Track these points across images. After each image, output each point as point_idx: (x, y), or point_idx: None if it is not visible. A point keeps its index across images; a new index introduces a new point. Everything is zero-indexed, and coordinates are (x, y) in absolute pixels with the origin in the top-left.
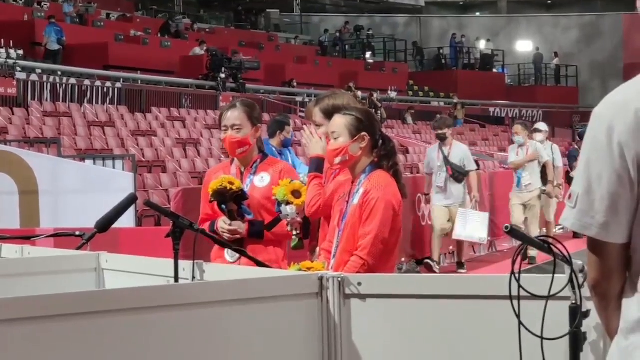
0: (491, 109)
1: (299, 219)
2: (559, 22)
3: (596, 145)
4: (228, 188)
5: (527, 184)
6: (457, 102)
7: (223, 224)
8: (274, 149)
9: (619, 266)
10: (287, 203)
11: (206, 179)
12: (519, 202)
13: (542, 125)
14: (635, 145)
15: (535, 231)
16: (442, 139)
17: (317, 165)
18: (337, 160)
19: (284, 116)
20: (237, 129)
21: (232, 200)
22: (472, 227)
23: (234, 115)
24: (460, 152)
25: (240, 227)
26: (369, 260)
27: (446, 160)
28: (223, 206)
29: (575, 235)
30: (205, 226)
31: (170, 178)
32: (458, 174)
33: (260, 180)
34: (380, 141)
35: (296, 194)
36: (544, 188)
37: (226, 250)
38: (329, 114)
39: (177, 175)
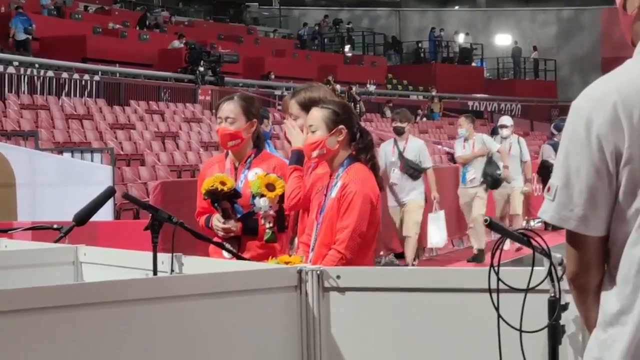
0: (470, 103)
1: (271, 212)
2: (538, 16)
3: (575, 139)
4: (219, 189)
5: (472, 178)
6: (433, 96)
7: (217, 222)
8: None
9: (598, 259)
10: (261, 196)
11: (201, 172)
12: (464, 199)
13: (506, 120)
14: (614, 138)
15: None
16: (399, 132)
17: (297, 157)
18: (315, 153)
19: (263, 109)
20: (231, 121)
21: (225, 199)
22: (429, 230)
23: (229, 108)
24: (415, 147)
25: (234, 225)
26: (346, 254)
27: (400, 155)
28: (216, 204)
29: (547, 227)
30: (202, 219)
31: (149, 171)
32: (413, 171)
33: (254, 175)
34: (358, 134)
35: (270, 187)
36: (526, 189)
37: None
38: (305, 106)
39: (155, 169)
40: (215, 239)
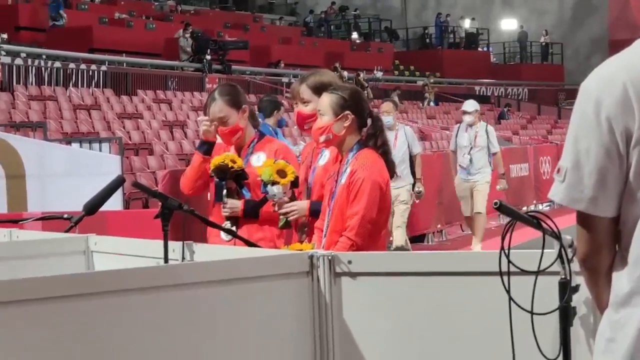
0: (477, 88)
1: (285, 199)
2: (544, 0)
3: (584, 120)
4: (230, 166)
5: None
6: (424, 84)
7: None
8: (270, 129)
9: (609, 240)
10: (273, 183)
11: None
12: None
13: (469, 105)
14: (624, 118)
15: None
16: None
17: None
18: (322, 138)
19: (272, 98)
20: (224, 120)
21: (231, 179)
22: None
23: (216, 109)
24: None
25: (236, 205)
26: (357, 240)
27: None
28: (222, 182)
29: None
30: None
31: (157, 160)
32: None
33: (257, 159)
34: (369, 120)
35: (281, 173)
36: (500, 186)
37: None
38: (317, 90)
39: (164, 158)
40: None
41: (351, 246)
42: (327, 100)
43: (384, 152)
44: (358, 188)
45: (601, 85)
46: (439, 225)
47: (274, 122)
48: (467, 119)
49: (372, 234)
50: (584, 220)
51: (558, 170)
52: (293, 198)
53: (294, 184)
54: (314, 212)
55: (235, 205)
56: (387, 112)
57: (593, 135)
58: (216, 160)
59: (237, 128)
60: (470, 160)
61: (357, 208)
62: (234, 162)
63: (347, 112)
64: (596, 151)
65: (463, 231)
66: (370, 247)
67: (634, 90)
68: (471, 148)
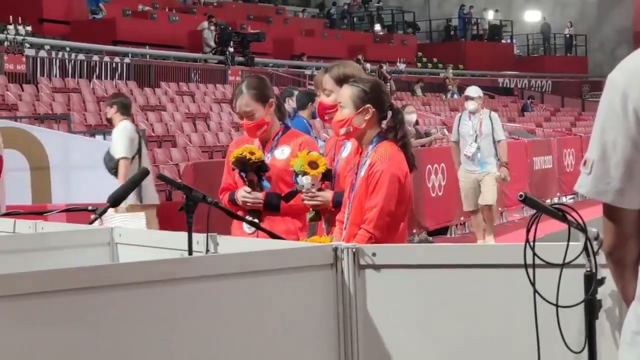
0: (500, 80)
1: (314, 190)
2: None
3: (611, 112)
4: (248, 157)
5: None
6: (445, 77)
7: (244, 192)
8: (304, 121)
9: (635, 232)
10: (304, 174)
11: (229, 149)
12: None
13: (473, 91)
14: None
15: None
16: None
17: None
18: (342, 131)
19: (288, 88)
20: (250, 115)
21: (252, 170)
22: None
23: (243, 103)
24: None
25: (258, 197)
26: (375, 233)
27: None
28: (242, 174)
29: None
30: (226, 195)
31: (181, 152)
32: None
33: (281, 152)
34: (390, 112)
35: (313, 164)
36: (501, 174)
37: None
38: (340, 81)
39: (187, 150)
40: (239, 213)
41: (369, 239)
42: (348, 93)
43: (404, 144)
44: (377, 180)
45: (628, 78)
46: (462, 218)
47: (308, 115)
48: (470, 105)
49: (391, 227)
50: (611, 212)
51: (584, 163)
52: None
53: (326, 176)
54: (337, 204)
55: (257, 197)
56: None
57: (620, 127)
58: (236, 152)
59: (262, 122)
60: (479, 149)
61: (376, 201)
62: (252, 153)
63: (368, 105)
64: (623, 143)
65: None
66: (390, 240)
67: None
68: (477, 136)
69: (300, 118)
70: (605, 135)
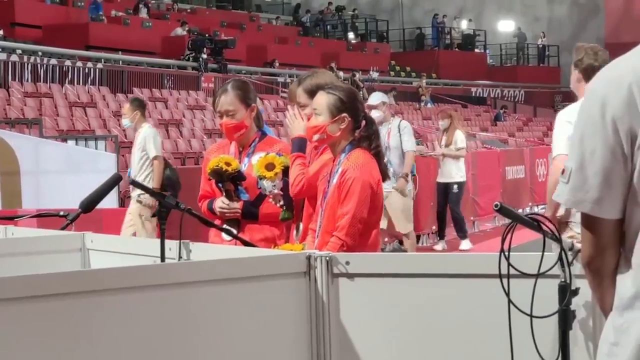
0: (473, 89)
1: (276, 191)
2: (542, 2)
3: (590, 120)
4: (224, 169)
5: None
6: (418, 86)
7: (221, 203)
8: None
9: (613, 242)
10: (262, 178)
11: (206, 157)
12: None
13: (373, 98)
14: (629, 119)
15: None
16: None
17: (299, 145)
18: (315, 137)
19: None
20: (232, 114)
21: (229, 180)
22: None
23: (227, 101)
24: None
25: (235, 208)
26: (347, 240)
27: None
28: (220, 185)
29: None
30: (204, 203)
31: None
32: None
33: (258, 159)
34: (363, 122)
35: (269, 166)
36: (397, 186)
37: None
38: (312, 94)
39: None
40: (217, 222)
41: (341, 246)
42: (324, 100)
43: (377, 153)
44: (348, 188)
45: (607, 87)
46: (433, 227)
47: None
48: (374, 114)
49: (363, 234)
50: (589, 222)
51: (563, 172)
52: (286, 189)
53: (286, 173)
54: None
55: (234, 207)
56: (124, 115)
57: (598, 136)
58: (212, 163)
59: (242, 124)
60: (389, 163)
61: (348, 208)
62: (228, 164)
63: (344, 114)
64: (601, 152)
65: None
66: (362, 247)
67: (639, 91)
68: (386, 149)
69: None
70: (584, 144)
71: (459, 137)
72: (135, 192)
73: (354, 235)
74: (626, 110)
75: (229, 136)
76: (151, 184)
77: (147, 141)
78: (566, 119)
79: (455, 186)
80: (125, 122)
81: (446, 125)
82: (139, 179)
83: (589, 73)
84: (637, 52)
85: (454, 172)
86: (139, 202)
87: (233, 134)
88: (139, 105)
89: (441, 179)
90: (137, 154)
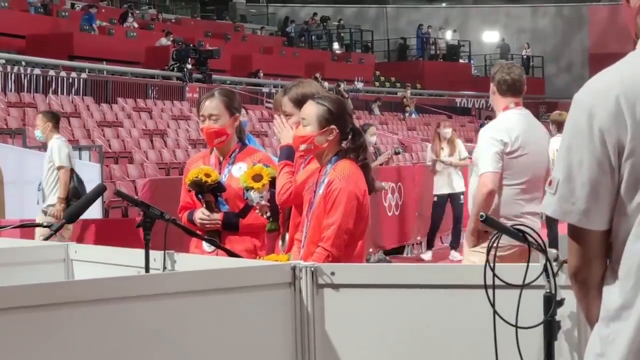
0: (458, 100)
1: (263, 202)
2: (525, 13)
3: (577, 132)
4: (203, 180)
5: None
6: (403, 96)
7: (201, 214)
8: None
9: (600, 253)
10: (250, 189)
11: (186, 168)
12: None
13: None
14: (616, 131)
15: None
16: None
17: (287, 153)
18: (302, 147)
19: None
20: (215, 118)
21: (209, 192)
22: None
23: (212, 105)
24: None
25: (216, 219)
26: (333, 251)
27: None
28: (199, 196)
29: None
30: (184, 214)
31: (138, 169)
32: None
33: (238, 170)
34: (351, 134)
35: (257, 177)
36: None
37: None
38: (298, 103)
39: (144, 166)
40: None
41: (327, 257)
42: (313, 111)
43: (364, 165)
44: (334, 198)
45: (594, 98)
46: (418, 237)
47: None
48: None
49: (349, 245)
50: (576, 233)
51: (550, 183)
52: (273, 200)
53: (274, 185)
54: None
55: (214, 218)
56: (37, 126)
57: (586, 147)
58: (191, 174)
59: (224, 131)
60: None
61: (334, 219)
62: (208, 175)
63: (333, 126)
64: (589, 163)
65: (443, 243)
66: (348, 258)
67: (626, 103)
68: None
69: None
70: (571, 155)
71: (462, 147)
72: (45, 204)
73: (339, 246)
74: (613, 122)
75: (209, 141)
76: (58, 194)
77: (53, 152)
78: (490, 134)
79: (462, 196)
80: (37, 133)
81: (449, 135)
82: (48, 190)
83: (501, 86)
84: (624, 62)
85: (458, 182)
86: (44, 212)
87: (213, 139)
88: (52, 118)
89: (444, 190)
90: (45, 165)
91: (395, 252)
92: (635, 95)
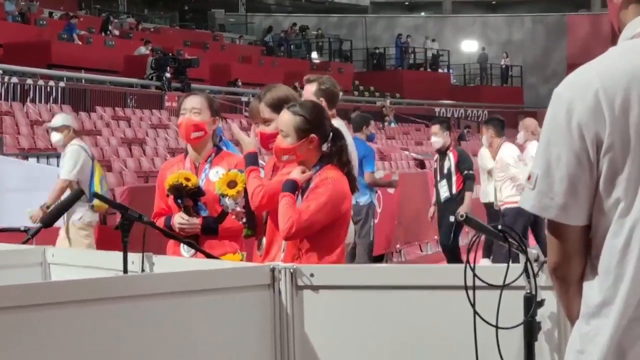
0: (437, 109)
1: (238, 209)
2: (504, 23)
3: (556, 126)
4: (184, 185)
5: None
6: (382, 105)
7: (180, 218)
8: (364, 142)
9: (579, 249)
10: (224, 195)
11: (160, 173)
12: None
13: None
14: (595, 126)
15: None
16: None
17: (252, 160)
18: (285, 158)
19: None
20: (196, 112)
21: (188, 196)
22: None
23: (195, 100)
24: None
25: (195, 223)
26: (300, 221)
27: None
28: (179, 201)
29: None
30: (160, 221)
31: (116, 177)
32: None
33: (215, 174)
34: (331, 135)
35: (231, 184)
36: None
37: (182, 244)
38: (275, 107)
39: (122, 175)
40: None
41: (291, 226)
42: (290, 122)
43: (349, 173)
44: (317, 192)
45: (573, 92)
46: (397, 245)
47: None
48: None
49: (328, 248)
50: (555, 228)
51: (529, 178)
52: (248, 206)
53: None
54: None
55: (193, 223)
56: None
57: (564, 142)
58: (170, 178)
59: (203, 126)
60: None
61: (310, 203)
62: (188, 180)
63: (312, 135)
64: (567, 158)
65: (422, 251)
66: (327, 260)
67: (605, 98)
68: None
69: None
70: (550, 149)
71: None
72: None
73: (305, 223)
74: (592, 117)
75: (187, 134)
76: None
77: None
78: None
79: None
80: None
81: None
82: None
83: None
84: (605, 57)
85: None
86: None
87: (191, 132)
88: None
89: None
90: None
91: (375, 261)
92: (614, 90)
